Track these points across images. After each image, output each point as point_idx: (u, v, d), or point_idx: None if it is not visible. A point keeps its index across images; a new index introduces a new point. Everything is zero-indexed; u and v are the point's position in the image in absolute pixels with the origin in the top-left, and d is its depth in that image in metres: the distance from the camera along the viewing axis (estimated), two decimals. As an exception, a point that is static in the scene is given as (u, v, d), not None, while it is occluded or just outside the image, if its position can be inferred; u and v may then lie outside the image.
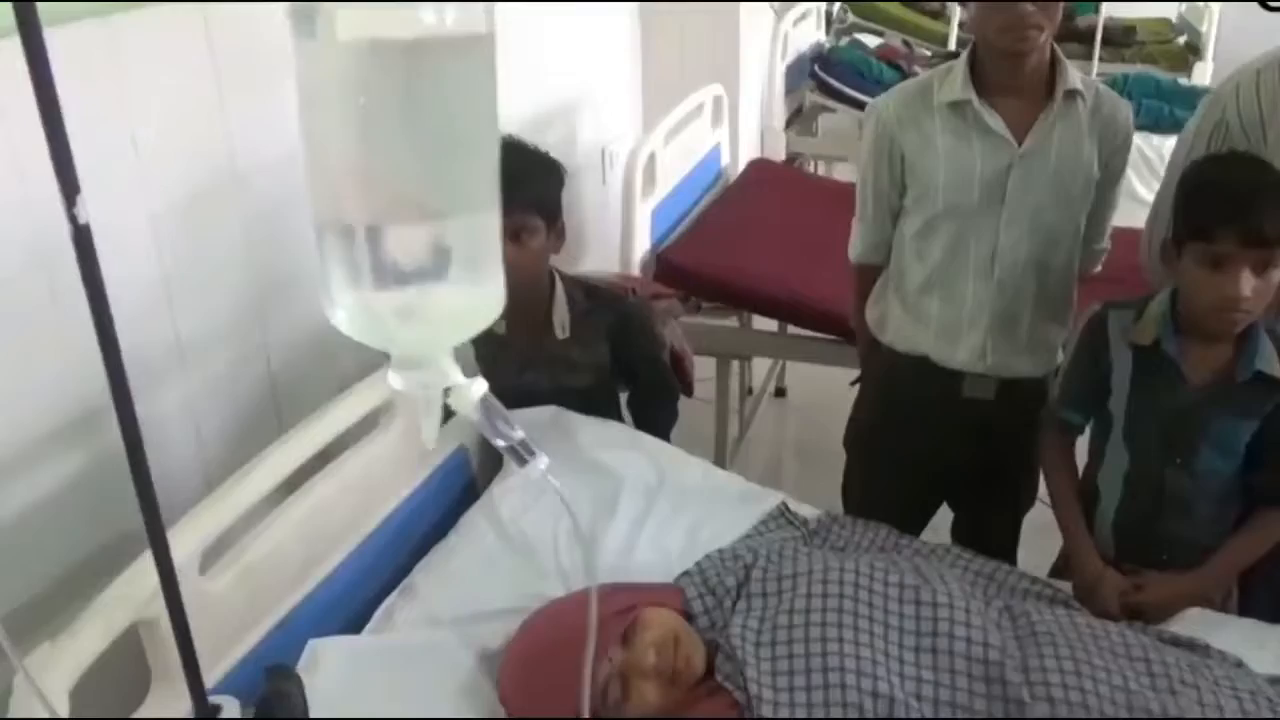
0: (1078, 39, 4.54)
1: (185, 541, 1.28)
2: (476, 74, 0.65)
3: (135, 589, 1.20)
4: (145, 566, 1.21)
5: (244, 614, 1.39)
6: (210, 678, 1.29)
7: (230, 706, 0.79)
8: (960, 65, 1.73)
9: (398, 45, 0.62)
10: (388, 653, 1.45)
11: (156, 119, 1.58)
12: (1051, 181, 1.72)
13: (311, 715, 1.31)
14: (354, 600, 1.55)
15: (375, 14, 0.60)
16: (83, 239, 0.60)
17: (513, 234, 1.75)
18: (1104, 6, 4.51)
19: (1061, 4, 1.64)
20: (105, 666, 1.17)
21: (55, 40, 1.41)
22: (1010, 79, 1.70)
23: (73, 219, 0.60)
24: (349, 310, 0.68)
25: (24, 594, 1.45)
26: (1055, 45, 1.70)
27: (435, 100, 0.64)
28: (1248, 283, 1.44)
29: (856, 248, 1.94)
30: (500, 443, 0.75)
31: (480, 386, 0.73)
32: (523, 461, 0.76)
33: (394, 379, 0.71)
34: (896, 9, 4.85)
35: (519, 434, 0.76)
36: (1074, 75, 1.71)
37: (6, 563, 1.44)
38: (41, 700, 0.97)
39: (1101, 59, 4.48)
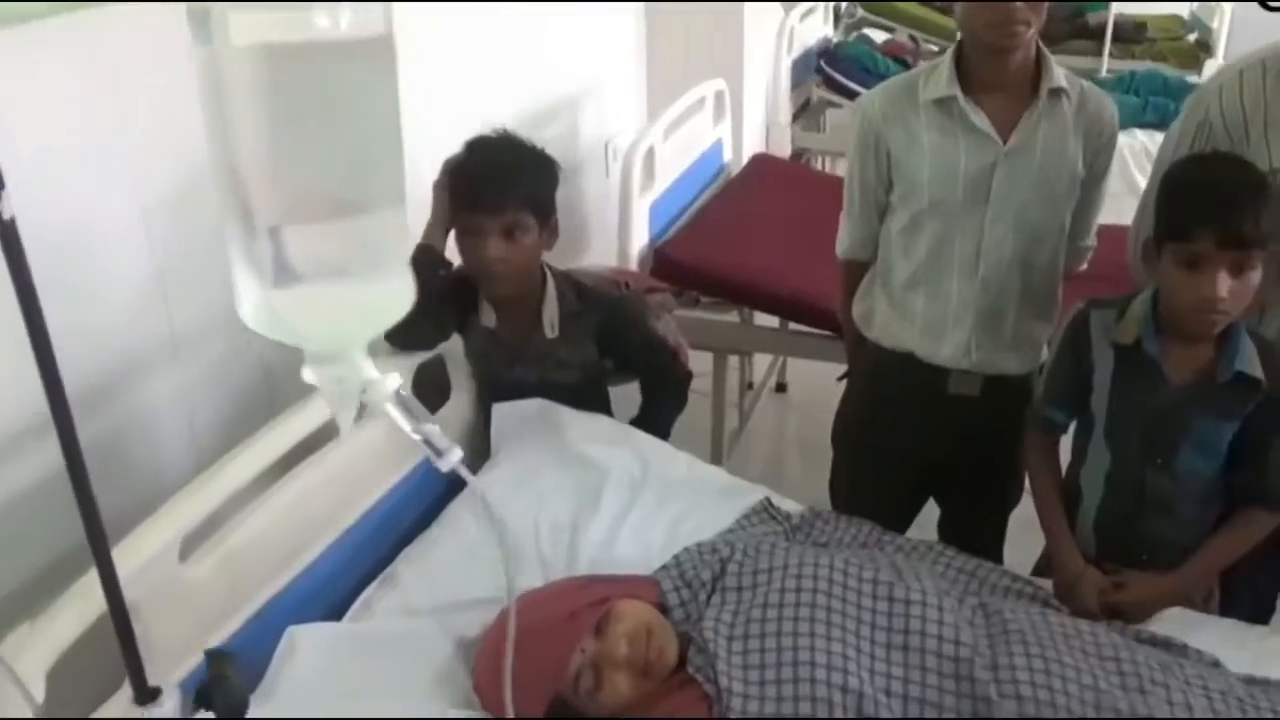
0: (1088, 35, 4.52)
1: (164, 529, 1.30)
2: (375, 75, 0.67)
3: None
4: (125, 551, 1.24)
5: (224, 601, 1.41)
6: (187, 664, 1.31)
7: (170, 696, 0.81)
8: (945, 62, 1.73)
9: (293, 49, 0.63)
10: (365, 640, 1.47)
11: (145, 116, 1.60)
12: (1036, 179, 1.72)
13: (288, 700, 1.33)
14: (335, 590, 1.57)
15: (269, 18, 0.61)
16: (8, 234, 0.61)
17: (505, 231, 1.76)
18: (1114, 4, 4.49)
19: (1048, 1, 1.64)
20: (88, 649, 1.19)
21: (50, 34, 1.43)
22: (996, 76, 1.70)
23: None
24: (254, 306, 0.69)
25: (14, 580, 1.48)
26: (1040, 42, 1.70)
27: (333, 101, 0.65)
28: (1224, 284, 1.44)
29: (843, 243, 1.95)
30: (416, 436, 0.77)
31: (394, 381, 0.75)
32: (438, 454, 0.77)
33: (308, 374, 0.73)
34: (908, 5, 4.83)
35: (434, 429, 0.78)
36: (1059, 73, 1.72)
37: (4, 549, 1.47)
38: (15, 682, 0.99)
39: (1111, 55, 4.46)
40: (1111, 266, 1.91)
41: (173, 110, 1.63)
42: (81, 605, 1.20)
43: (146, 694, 0.82)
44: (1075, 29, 4.59)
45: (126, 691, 1.25)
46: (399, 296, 0.75)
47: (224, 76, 0.65)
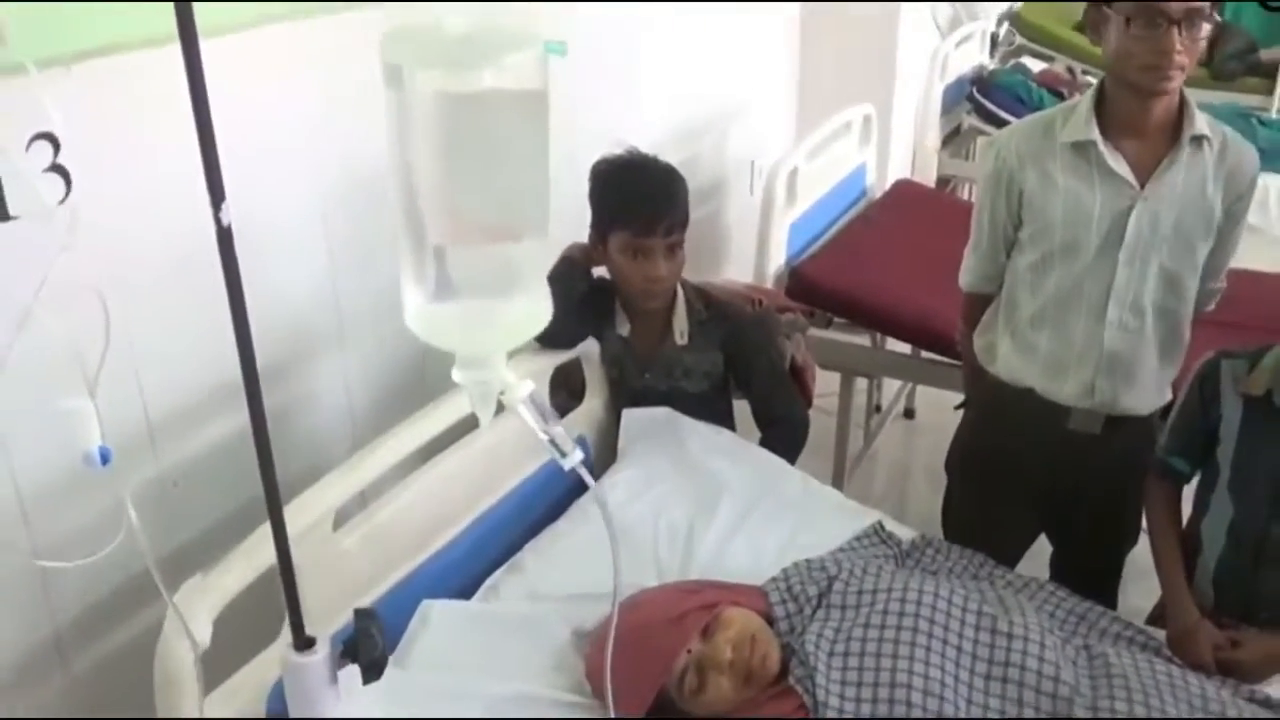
0: (1259, 73, 4.36)
1: (321, 500, 1.44)
2: (531, 122, 0.80)
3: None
4: (291, 515, 1.37)
5: (368, 572, 1.54)
6: (335, 623, 1.44)
7: (323, 646, 0.93)
8: (1085, 103, 1.73)
9: (465, 97, 0.77)
10: (491, 619, 1.58)
11: (323, 124, 1.75)
12: (1172, 226, 1.70)
13: (418, 667, 1.45)
14: (467, 571, 1.68)
15: (447, 72, 0.76)
16: (225, 239, 0.73)
17: (669, 250, 1.89)
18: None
19: (1200, 43, 1.63)
20: (251, 602, 1.31)
21: (248, 43, 1.55)
22: (1138, 120, 1.69)
23: (217, 221, 0.73)
24: (416, 314, 0.82)
25: (180, 538, 1.64)
26: (1184, 90, 1.69)
27: (496, 143, 0.78)
28: None
29: (967, 276, 1.97)
30: (543, 436, 0.87)
31: (527, 386, 0.86)
32: (561, 454, 0.87)
33: (456, 374, 0.84)
34: (1070, 34, 4.72)
35: (560, 430, 0.89)
36: (1201, 120, 1.70)
37: (185, 504, 1.64)
38: (185, 628, 1.12)
39: (1285, 95, 4.28)
40: (1244, 313, 1.87)
41: (347, 121, 1.79)
42: (246, 562, 1.33)
43: (304, 642, 0.93)
44: (1248, 66, 4.42)
45: (281, 641, 1.39)
46: (538, 315, 0.86)
47: (409, 117, 0.78)
